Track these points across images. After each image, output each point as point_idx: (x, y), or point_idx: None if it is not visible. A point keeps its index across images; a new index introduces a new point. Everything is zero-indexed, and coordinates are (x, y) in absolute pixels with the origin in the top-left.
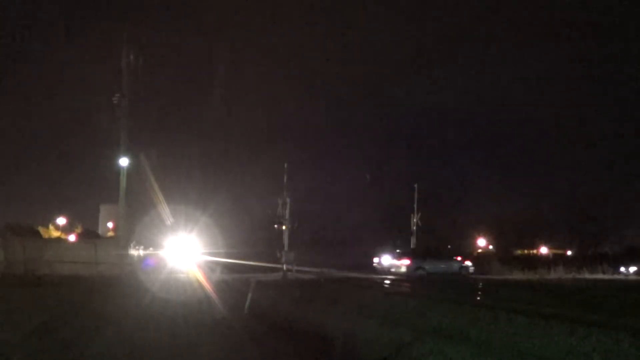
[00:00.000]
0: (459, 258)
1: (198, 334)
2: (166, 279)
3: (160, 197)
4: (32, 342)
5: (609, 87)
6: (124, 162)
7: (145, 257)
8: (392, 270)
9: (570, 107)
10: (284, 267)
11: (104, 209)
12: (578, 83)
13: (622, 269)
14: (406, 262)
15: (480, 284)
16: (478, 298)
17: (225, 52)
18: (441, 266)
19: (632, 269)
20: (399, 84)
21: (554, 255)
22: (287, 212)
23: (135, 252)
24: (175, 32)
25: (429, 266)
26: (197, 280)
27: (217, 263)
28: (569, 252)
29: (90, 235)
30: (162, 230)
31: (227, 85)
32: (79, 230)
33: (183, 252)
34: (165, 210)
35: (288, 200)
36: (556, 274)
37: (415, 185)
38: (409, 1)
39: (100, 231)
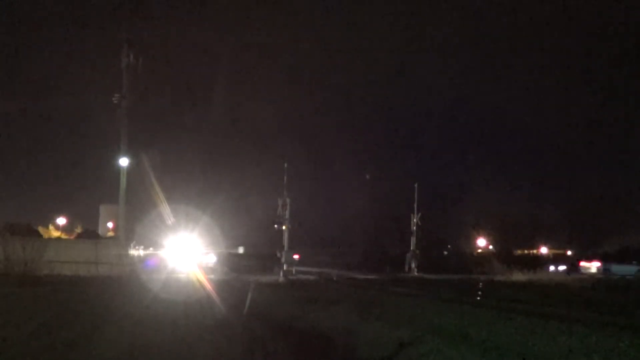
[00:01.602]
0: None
1: (199, 334)
2: (167, 279)
3: (161, 196)
4: (33, 342)
5: (610, 87)
6: (124, 162)
7: (146, 257)
8: (581, 271)
9: (570, 107)
10: (284, 267)
11: (104, 209)
12: (579, 83)
13: (552, 267)
14: (597, 264)
15: None
16: None
17: (226, 52)
18: (624, 269)
19: (561, 267)
20: (399, 84)
21: (554, 255)
22: (287, 212)
23: (135, 252)
24: (175, 32)
25: (615, 268)
26: (198, 281)
27: (217, 263)
28: (569, 252)
29: (90, 235)
30: (163, 230)
31: (227, 85)
32: (79, 230)
33: (184, 252)
34: (166, 210)
35: (288, 200)
36: (556, 273)
37: (416, 185)
38: (410, 1)
39: (100, 231)
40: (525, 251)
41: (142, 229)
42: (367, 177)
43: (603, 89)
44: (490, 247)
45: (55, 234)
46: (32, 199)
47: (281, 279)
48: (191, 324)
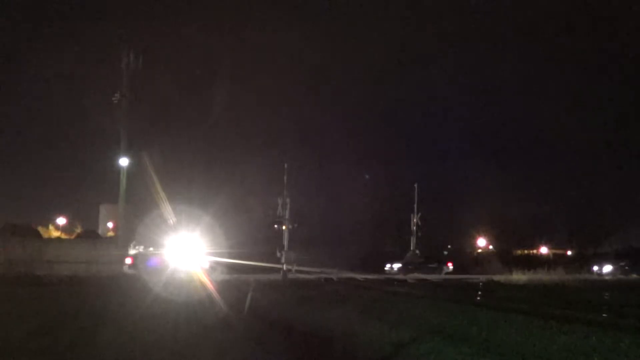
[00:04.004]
0: None
1: (200, 334)
2: (167, 279)
3: (162, 196)
4: (33, 343)
5: (610, 87)
6: (124, 162)
7: (146, 257)
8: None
9: (571, 106)
10: (284, 267)
11: (104, 209)
12: (579, 83)
13: (388, 266)
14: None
15: None
16: None
17: (227, 51)
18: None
19: (446, 268)
20: (399, 84)
21: (554, 255)
22: (287, 212)
23: (135, 252)
24: (175, 32)
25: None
26: (199, 280)
27: (218, 263)
28: (569, 252)
29: (90, 235)
30: (164, 230)
31: (228, 84)
32: (79, 230)
33: (185, 252)
34: (167, 210)
35: (288, 200)
36: (556, 274)
37: (416, 185)
38: (409, 1)
39: (100, 231)
40: (525, 251)
41: (142, 228)
42: (367, 177)
43: (604, 89)
44: (490, 247)
45: (55, 234)
46: (32, 199)
47: (281, 278)
48: (192, 323)
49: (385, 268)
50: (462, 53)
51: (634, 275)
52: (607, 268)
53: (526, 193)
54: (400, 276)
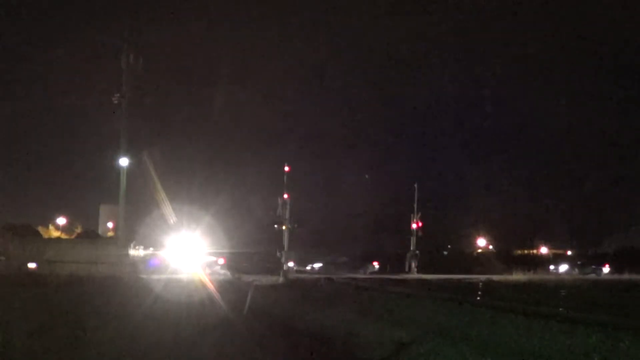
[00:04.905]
0: None
1: (200, 334)
2: (168, 279)
3: (163, 196)
4: (33, 342)
5: (611, 86)
6: (124, 162)
7: (147, 257)
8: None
9: (571, 106)
10: (284, 267)
11: (104, 209)
12: (580, 81)
13: (309, 266)
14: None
15: None
16: None
17: (227, 51)
18: None
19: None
20: (399, 83)
21: (554, 255)
22: (287, 212)
23: (135, 252)
24: (175, 32)
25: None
26: (199, 280)
27: (218, 263)
28: (569, 252)
29: (90, 235)
30: (164, 230)
31: (228, 84)
32: (79, 230)
33: (185, 252)
34: (167, 210)
35: (288, 200)
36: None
37: (416, 185)
38: (410, 1)
39: (100, 231)
40: (525, 251)
41: (143, 228)
42: (367, 177)
43: (605, 88)
44: (490, 247)
45: (55, 234)
46: (32, 199)
47: (281, 279)
48: (193, 323)
49: (307, 267)
50: (463, 52)
51: (593, 275)
52: (563, 267)
53: (526, 193)
54: (322, 275)
